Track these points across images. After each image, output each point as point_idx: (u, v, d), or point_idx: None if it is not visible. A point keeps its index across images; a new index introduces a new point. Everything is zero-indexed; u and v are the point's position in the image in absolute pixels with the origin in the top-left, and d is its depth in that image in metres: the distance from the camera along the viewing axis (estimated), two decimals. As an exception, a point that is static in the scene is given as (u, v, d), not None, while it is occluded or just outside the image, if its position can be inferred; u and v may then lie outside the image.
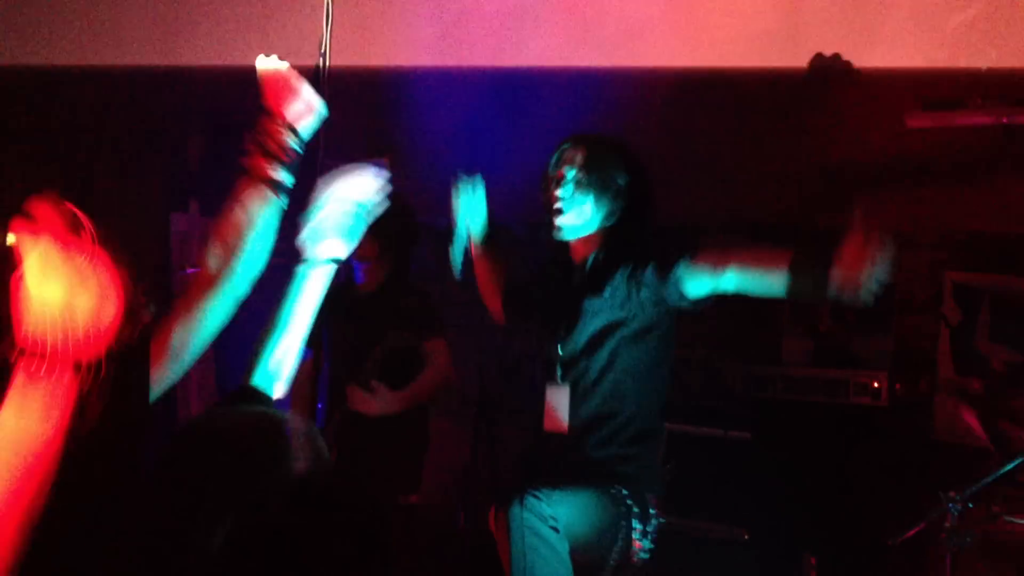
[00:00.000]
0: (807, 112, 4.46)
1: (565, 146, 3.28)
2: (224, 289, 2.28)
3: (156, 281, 5.75)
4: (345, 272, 4.18)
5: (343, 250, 2.42)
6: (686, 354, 4.25)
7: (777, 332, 4.36)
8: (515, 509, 2.81)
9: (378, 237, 3.96)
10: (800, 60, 4.45)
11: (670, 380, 3.14)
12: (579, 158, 3.20)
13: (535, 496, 2.81)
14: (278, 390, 2.39)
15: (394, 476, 4.01)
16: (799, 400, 4.01)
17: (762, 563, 3.50)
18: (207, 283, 2.26)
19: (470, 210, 3.32)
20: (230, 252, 2.27)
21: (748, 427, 3.91)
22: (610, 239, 3.17)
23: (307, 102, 2.37)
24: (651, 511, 3.06)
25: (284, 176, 2.31)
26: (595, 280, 3.14)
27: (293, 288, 2.38)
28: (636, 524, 3.00)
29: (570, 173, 3.19)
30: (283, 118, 2.34)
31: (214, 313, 2.27)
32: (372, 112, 5.29)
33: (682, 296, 2.97)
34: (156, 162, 5.85)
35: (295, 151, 2.34)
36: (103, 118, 5.84)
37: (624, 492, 3.01)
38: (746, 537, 3.61)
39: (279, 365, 2.36)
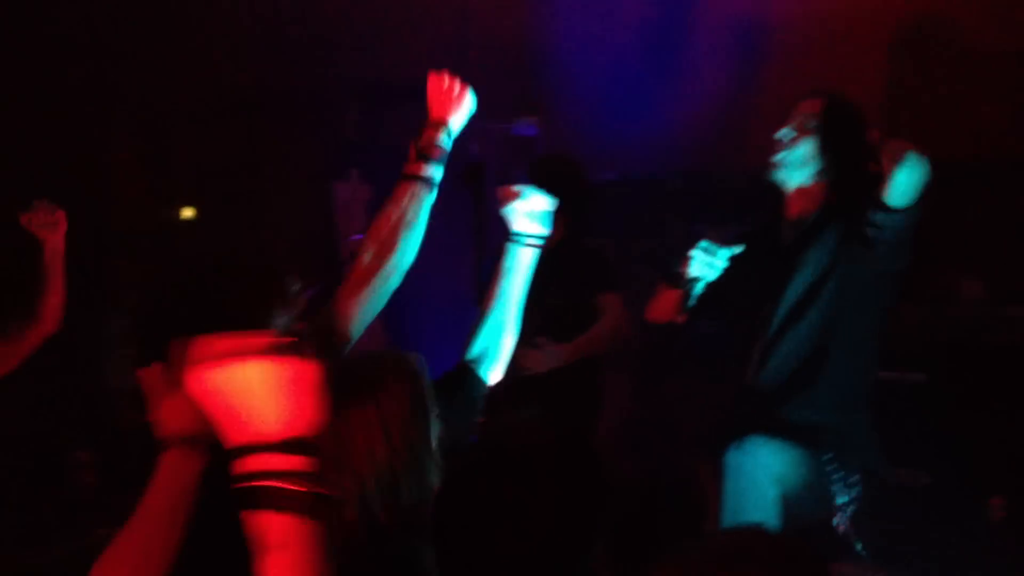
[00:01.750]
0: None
1: (808, 96, 3.23)
2: (379, 281, 2.44)
3: (322, 250, 5.95)
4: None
5: (544, 229, 2.57)
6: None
7: (954, 271, 4.20)
8: (728, 455, 2.89)
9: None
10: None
11: (879, 347, 3.09)
12: (813, 107, 3.14)
13: (747, 443, 2.88)
14: (497, 368, 2.51)
15: (551, 426, 4.02)
16: (977, 340, 3.87)
17: (945, 507, 3.41)
18: (362, 276, 2.40)
19: (706, 271, 3.21)
20: (385, 247, 2.43)
21: (925, 369, 3.80)
22: (830, 196, 3.12)
23: (465, 105, 2.58)
24: (856, 477, 3.05)
25: (437, 172, 2.51)
26: (809, 238, 3.09)
27: (506, 265, 2.54)
28: (841, 490, 2.99)
29: (806, 122, 3.14)
30: (445, 123, 2.54)
31: (369, 304, 2.42)
32: (520, 71, 5.31)
33: (892, 220, 2.89)
34: (316, 133, 6.01)
35: (447, 149, 2.53)
36: (263, 92, 6.04)
37: (830, 456, 3.02)
38: (928, 481, 3.53)
39: (496, 343, 2.51)
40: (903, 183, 2.82)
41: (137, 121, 6.43)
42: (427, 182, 2.49)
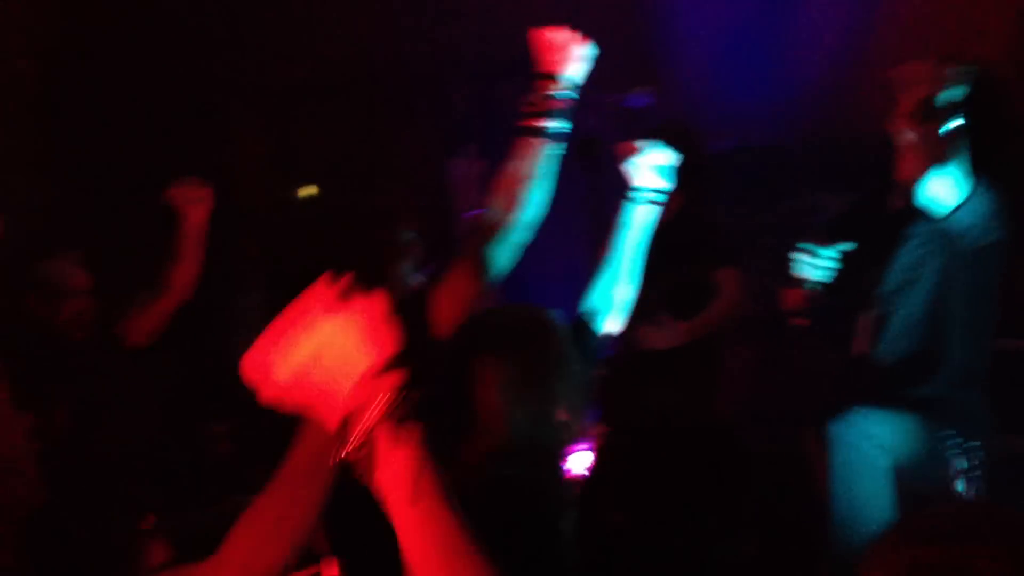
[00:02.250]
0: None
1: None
2: (506, 237, 2.46)
3: (439, 226, 6.03)
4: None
5: (665, 184, 2.58)
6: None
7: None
8: (837, 426, 2.86)
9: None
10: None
11: (996, 316, 3.02)
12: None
13: (858, 414, 2.85)
14: (610, 320, 2.55)
15: (687, 407, 4.01)
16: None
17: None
18: (489, 232, 2.42)
19: (813, 272, 3.15)
20: (511, 202, 2.43)
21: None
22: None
23: (579, 54, 2.50)
24: (978, 451, 2.99)
25: (560, 125, 2.46)
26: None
27: (624, 220, 2.56)
28: (960, 464, 2.95)
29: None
30: (557, 75, 2.47)
31: (497, 260, 2.44)
32: (634, 41, 5.28)
33: None
34: (431, 110, 6.08)
35: (569, 100, 2.47)
36: (378, 70, 6.13)
37: (949, 432, 2.97)
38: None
39: (610, 296, 2.54)
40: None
41: (259, 102, 6.60)
42: (545, 134, 2.45)
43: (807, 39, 4.77)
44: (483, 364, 1.91)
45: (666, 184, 2.65)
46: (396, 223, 2.68)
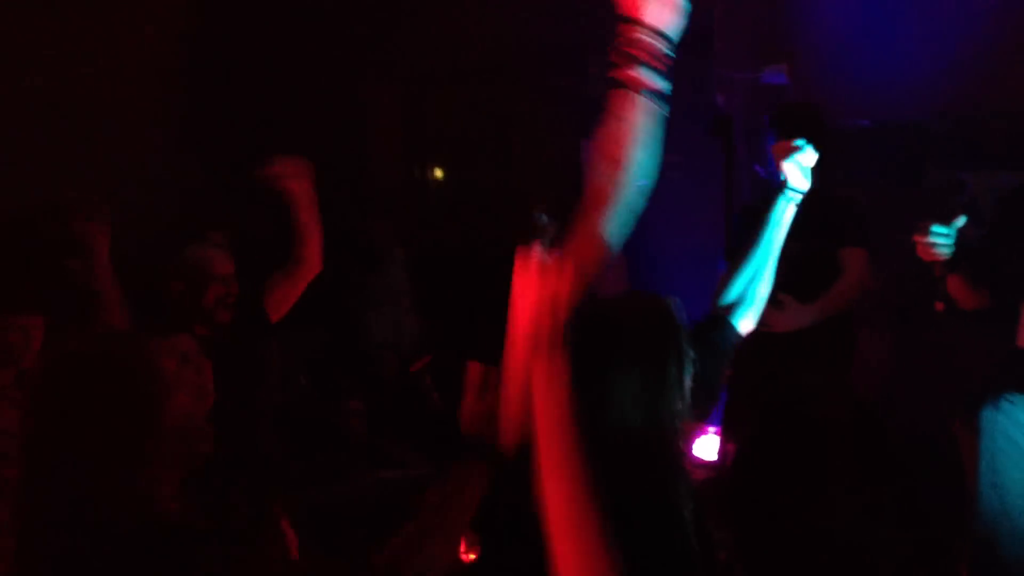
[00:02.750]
0: None
1: None
2: (618, 204, 2.35)
3: (572, 209, 6.05)
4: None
5: (807, 183, 2.56)
6: None
7: None
8: (988, 411, 2.82)
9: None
10: None
11: None
12: None
13: (1010, 401, 2.80)
14: (750, 317, 2.53)
15: (819, 392, 3.91)
16: None
17: None
18: (601, 200, 2.33)
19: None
20: (617, 167, 2.29)
21: None
22: None
23: (668, 1, 2.25)
24: None
25: (659, 82, 2.25)
26: None
27: (772, 217, 2.55)
28: None
29: None
30: (644, 23, 2.25)
31: (612, 228, 2.37)
32: (768, 18, 5.19)
33: None
34: (563, 91, 6.10)
35: (666, 55, 2.25)
36: (510, 52, 6.17)
37: None
38: None
39: (752, 292, 2.53)
40: None
41: (393, 84, 6.72)
42: (652, 94, 2.24)
43: (947, 13, 4.61)
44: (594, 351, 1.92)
45: (808, 185, 2.62)
46: (530, 205, 2.70)
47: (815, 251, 3.91)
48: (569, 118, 6.08)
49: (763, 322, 3.86)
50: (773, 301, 3.80)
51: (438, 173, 7.02)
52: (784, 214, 2.59)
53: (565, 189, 5.94)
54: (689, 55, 5.00)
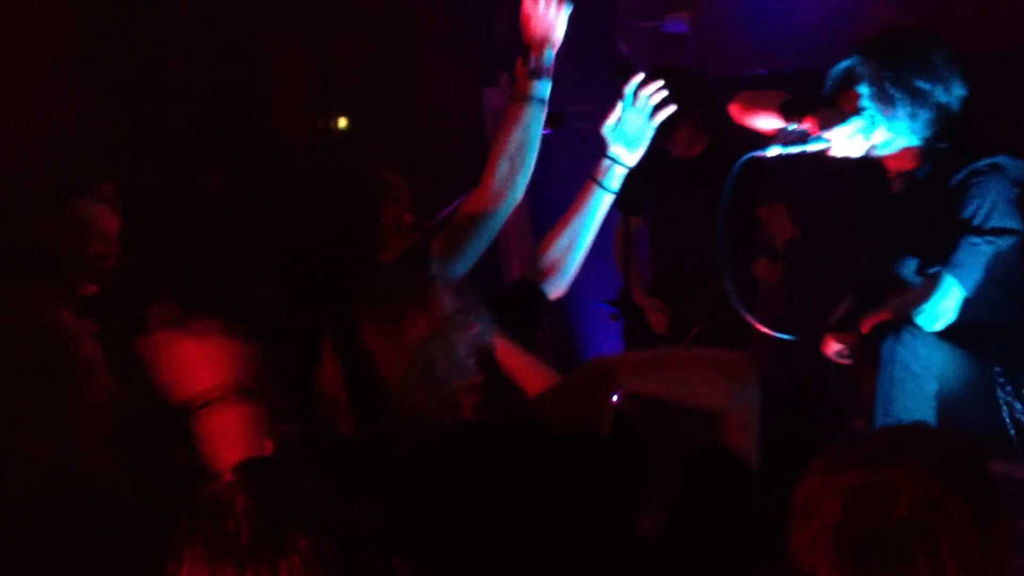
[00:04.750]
0: None
1: (853, 61, 3.10)
2: (508, 200, 2.60)
3: (473, 157, 6.03)
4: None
5: (633, 159, 2.67)
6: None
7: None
8: (889, 342, 2.87)
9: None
10: None
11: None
12: (874, 72, 3.00)
13: (911, 333, 2.85)
14: (561, 284, 2.59)
15: None
16: None
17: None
18: (487, 199, 2.56)
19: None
20: (515, 168, 2.56)
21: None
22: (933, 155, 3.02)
23: (559, 25, 2.65)
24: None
25: (545, 89, 2.61)
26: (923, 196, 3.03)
27: (596, 192, 2.59)
28: (1012, 402, 2.98)
29: (864, 90, 3.01)
30: (544, 43, 2.62)
31: (495, 221, 2.52)
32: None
33: None
34: (467, 40, 6.06)
35: (551, 66, 2.63)
36: (419, 2, 6.11)
37: (998, 369, 2.99)
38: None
39: (569, 260, 2.58)
40: None
41: (297, 33, 6.60)
42: (541, 100, 2.60)
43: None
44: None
45: (638, 153, 2.70)
46: (379, 168, 2.77)
47: (734, 210, 3.98)
48: (473, 66, 6.06)
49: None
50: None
51: (342, 123, 6.93)
52: (612, 184, 2.65)
53: (469, 138, 5.94)
54: (594, 4, 5.08)
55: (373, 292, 2.00)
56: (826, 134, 3.03)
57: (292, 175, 3.80)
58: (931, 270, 2.94)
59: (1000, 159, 2.94)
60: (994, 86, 4.23)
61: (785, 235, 3.86)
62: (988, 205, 2.90)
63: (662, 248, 4.34)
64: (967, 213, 2.91)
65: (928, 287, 2.92)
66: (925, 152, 3.01)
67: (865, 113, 2.98)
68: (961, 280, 2.88)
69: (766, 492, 1.72)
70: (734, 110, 3.44)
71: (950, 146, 2.97)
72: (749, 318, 3.33)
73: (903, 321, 2.89)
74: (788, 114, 3.19)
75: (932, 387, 2.86)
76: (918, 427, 1.43)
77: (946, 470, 1.28)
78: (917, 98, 2.92)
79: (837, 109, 3.08)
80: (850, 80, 3.11)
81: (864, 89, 2.99)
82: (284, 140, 6.44)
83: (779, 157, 3.16)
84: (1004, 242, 2.90)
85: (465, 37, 6.07)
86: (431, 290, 2.00)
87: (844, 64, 3.22)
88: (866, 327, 2.95)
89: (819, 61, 4.81)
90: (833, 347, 3.04)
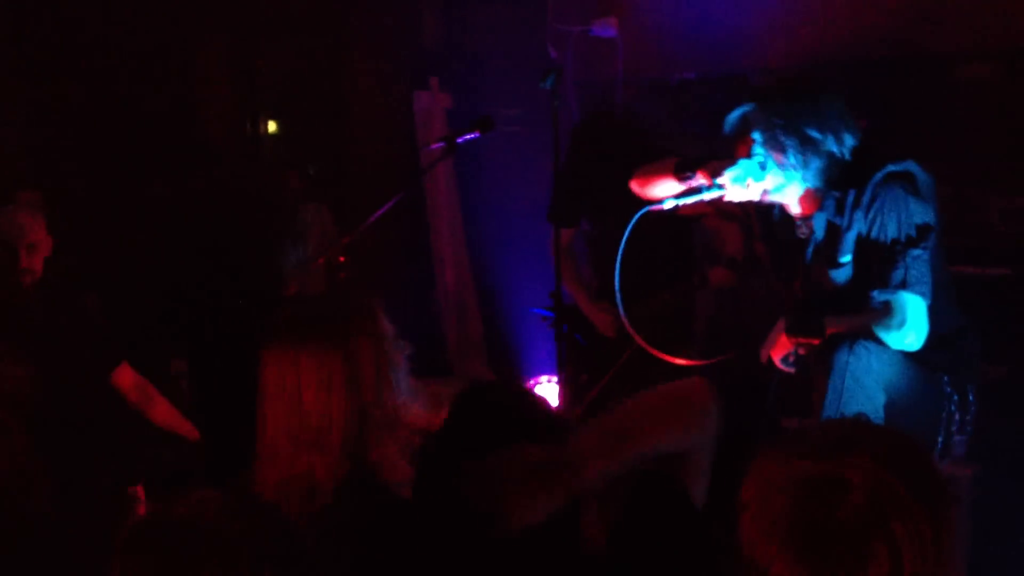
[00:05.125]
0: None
1: (748, 108, 3.17)
2: None
3: (403, 159, 6.02)
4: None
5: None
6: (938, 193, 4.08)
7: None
8: (841, 353, 2.90)
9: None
10: None
11: (949, 278, 3.09)
12: (766, 119, 3.04)
13: (865, 348, 2.89)
14: None
15: None
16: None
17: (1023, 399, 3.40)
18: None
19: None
20: None
21: (1007, 263, 3.74)
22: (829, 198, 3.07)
23: None
24: (970, 399, 3.07)
25: None
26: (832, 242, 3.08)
27: None
28: (955, 414, 3.03)
29: (757, 136, 3.07)
30: None
31: None
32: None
33: None
34: (398, 43, 6.04)
35: None
36: (348, 4, 6.07)
37: (945, 379, 3.04)
38: (1006, 375, 3.51)
39: None
40: None
41: (223, 37, 6.52)
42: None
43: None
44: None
45: None
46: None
47: (671, 218, 4.05)
48: (404, 70, 6.04)
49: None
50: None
51: (271, 127, 6.86)
52: None
53: (399, 141, 5.92)
54: (524, 9, 5.10)
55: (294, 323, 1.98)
56: (719, 180, 3.11)
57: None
58: (882, 296, 2.96)
59: (891, 167, 2.99)
60: (933, 90, 4.37)
61: (736, 245, 3.92)
62: (906, 213, 2.94)
63: (603, 259, 4.37)
64: (892, 230, 2.95)
65: (887, 311, 2.94)
66: (823, 192, 3.06)
67: (756, 158, 3.04)
68: (921, 294, 2.91)
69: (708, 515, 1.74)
70: (634, 187, 3.50)
71: (845, 174, 3.02)
72: (657, 352, 3.41)
73: (860, 335, 2.92)
74: (681, 173, 3.27)
75: (880, 399, 2.90)
76: (861, 420, 1.45)
77: (896, 458, 1.29)
78: (808, 145, 2.97)
79: (730, 158, 3.15)
80: (745, 126, 3.18)
81: (757, 135, 3.05)
82: (211, 144, 6.36)
83: (678, 208, 3.25)
84: (932, 241, 2.95)
85: (395, 40, 6.06)
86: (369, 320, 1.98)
87: (739, 111, 3.28)
88: (824, 333, 2.96)
89: (745, 66, 4.92)
90: (780, 353, 3.05)
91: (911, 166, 3.01)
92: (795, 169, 3.01)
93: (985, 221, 3.99)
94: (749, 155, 3.09)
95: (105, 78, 5.33)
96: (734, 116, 3.34)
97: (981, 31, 4.28)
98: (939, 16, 4.35)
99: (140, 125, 4.65)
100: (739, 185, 3.09)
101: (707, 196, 3.17)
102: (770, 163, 3.04)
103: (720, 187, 3.12)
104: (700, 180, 3.20)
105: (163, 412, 3.76)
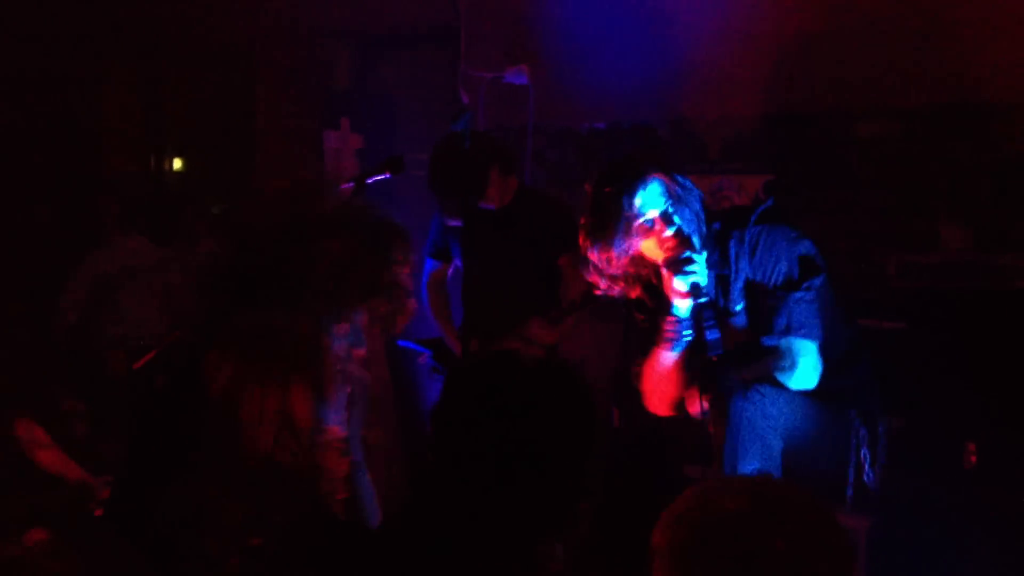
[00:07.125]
0: None
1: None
2: None
3: (313, 199, 5.95)
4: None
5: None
6: (838, 246, 4.17)
7: (933, 218, 4.22)
8: (738, 401, 2.89)
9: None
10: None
11: (842, 305, 3.12)
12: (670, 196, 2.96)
13: (761, 393, 2.88)
14: None
15: None
16: (957, 287, 3.88)
17: (921, 451, 3.46)
18: None
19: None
20: None
21: (904, 317, 3.82)
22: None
23: None
24: (880, 432, 3.09)
25: None
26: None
27: None
28: (865, 449, 3.04)
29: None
30: None
31: None
32: (510, 18, 5.29)
33: None
34: (309, 82, 6.00)
35: None
36: (258, 42, 6.02)
37: (853, 413, 3.05)
38: (904, 426, 3.57)
39: None
40: None
41: (131, 70, 6.42)
42: None
43: (676, 24, 4.84)
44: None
45: None
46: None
47: (538, 259, 4.09)
48: (314, 108, 6.00)
49: (528, 338, 3.97)
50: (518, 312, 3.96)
51: (176, 163, 6.74)
52: None
53: (308, 178, 5.85)
54: (438, 54, 5.08)
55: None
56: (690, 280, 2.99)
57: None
58: (770, 341, 2.97)
59: (760, 208, 3.02)
60: (836, 145, 4.48)
61: (579, 289, 3.87)
62: (785, 253, 2.96)
63: (475, 294, 4.37)
64: (773, 275, 2.96)
65: (777, 355, 2.95)
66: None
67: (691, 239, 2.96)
68: (810, 337, 2.92)
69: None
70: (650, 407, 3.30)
71: (714, 232, 3.02)
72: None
73: (760, 380, 2.92)
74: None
75: (778, 446, 2.89)
76: (769, 481, 1.45)
77: (803, 522, 1.32)
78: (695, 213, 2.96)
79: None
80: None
81: (677, 217, 2.98)
82: (112, 176, 6.22)
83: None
84: (819, 281, 2.97)
85: (306, 79, 6.01)
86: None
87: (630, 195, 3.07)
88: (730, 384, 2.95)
89: (654, 117, 4.99)
90: (696, 406, 3.01)
91: (770, 207, 3.03)
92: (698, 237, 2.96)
93: (883, 275, 4.08)
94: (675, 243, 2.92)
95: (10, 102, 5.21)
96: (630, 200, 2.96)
97: (881, 91, 4.41)
98: (840, 75, 4.48)
99: (35, 151, 4.52)
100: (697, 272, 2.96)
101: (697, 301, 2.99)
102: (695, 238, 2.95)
103: (704, 295, 2.98)
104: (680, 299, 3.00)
105: (51, 457, 3.63)
